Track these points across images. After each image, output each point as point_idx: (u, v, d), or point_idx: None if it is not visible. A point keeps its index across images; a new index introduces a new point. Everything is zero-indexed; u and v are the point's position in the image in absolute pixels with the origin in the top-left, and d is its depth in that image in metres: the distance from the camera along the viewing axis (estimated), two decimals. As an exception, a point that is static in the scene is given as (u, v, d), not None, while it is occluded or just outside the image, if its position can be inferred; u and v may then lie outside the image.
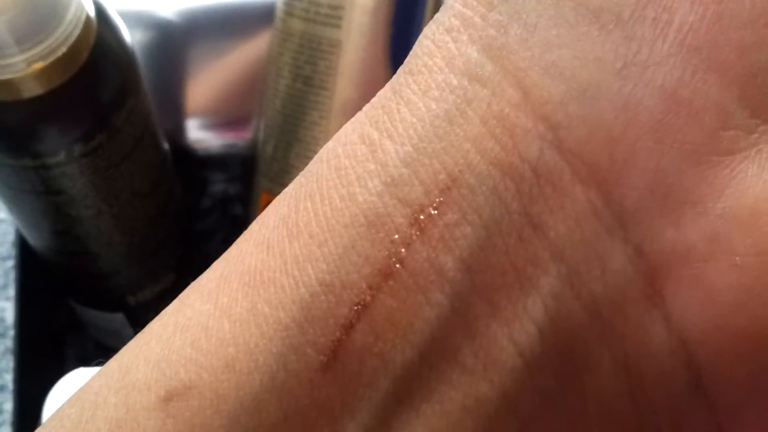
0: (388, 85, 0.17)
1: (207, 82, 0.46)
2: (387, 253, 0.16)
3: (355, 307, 0.16)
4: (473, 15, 0.17)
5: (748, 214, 0.15)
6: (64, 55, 0.34)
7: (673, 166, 0.15)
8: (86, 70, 0.35)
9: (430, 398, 0.16)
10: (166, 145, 0.43)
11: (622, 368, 0.16)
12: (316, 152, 0.29)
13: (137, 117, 0.38)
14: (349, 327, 0.16)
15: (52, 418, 0.18)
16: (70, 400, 0.18)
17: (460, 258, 0.16)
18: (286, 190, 0.18)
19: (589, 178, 0.15)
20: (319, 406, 0.16)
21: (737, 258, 0.15)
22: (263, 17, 0.45)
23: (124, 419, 0.17)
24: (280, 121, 0.44)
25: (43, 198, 0.38)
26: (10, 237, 0.45)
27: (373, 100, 0.17)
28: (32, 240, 0.43)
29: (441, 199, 0.16)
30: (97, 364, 0.21)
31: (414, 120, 0.16)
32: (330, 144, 0.18)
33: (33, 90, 0.34)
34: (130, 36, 0.38)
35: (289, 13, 0.43)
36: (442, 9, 0.17)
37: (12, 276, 0.44)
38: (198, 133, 0.48)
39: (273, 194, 0.45)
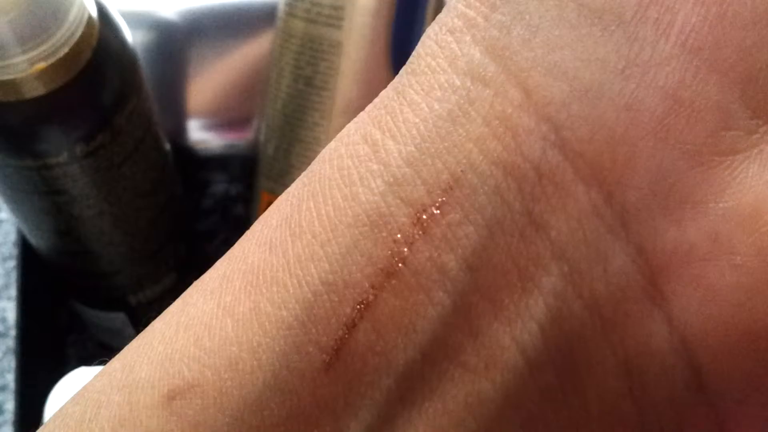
0: (390, 86, 0.17)
1: (208, 83, 0.46)
2: (390, 252, 0.16)
3: (358, 306, 0.16)
4: (476, 16, 0.17)
5: (749, 214, 0.15)
6: (67, 55, 0.34)
7: (674, 166, 0.15)
8: (88, 70, 0.35)
9: (432, 397, 0.16)
10: (167, 146, 0.43)
11: (623, 367, 0.16)
12: (317, 152, 0.29)
13: (139, 117, 0.38)
14: (351, 326, 0.16)
15: (55, 416, 0.18)
16: (73, 398, 0.18)
17: (463, 257, 0.16)
18: (288, 189, 0.18)
19: (591, 178, 0.16)
20: (322, 404, 0.16)
21: (738, 258, 0.15)
22: (264, 18, 0.45)
23: (128, 417, 0.17)
24: (281, 122, 0.44)
25: (44, 198, 0.38)
26: (12, 237, 0.45)
27: (376, 100, 0.18)
28: (34, 240, 0.43)
29: (443, 198, 0.16)
30: (99, 363, 0.21)
31: (417, 120, 0.16)
32: (332, 144, 0.18)
33: (35, 90, 0.34)
34: (131, 36, 0.38)
35: (290, 13, 0.43)
36: (444, 10, 0.17)
37: (13, 276, 0.44)
38: (199, 134, 0.48)
39: (274, 194, 0.45)
